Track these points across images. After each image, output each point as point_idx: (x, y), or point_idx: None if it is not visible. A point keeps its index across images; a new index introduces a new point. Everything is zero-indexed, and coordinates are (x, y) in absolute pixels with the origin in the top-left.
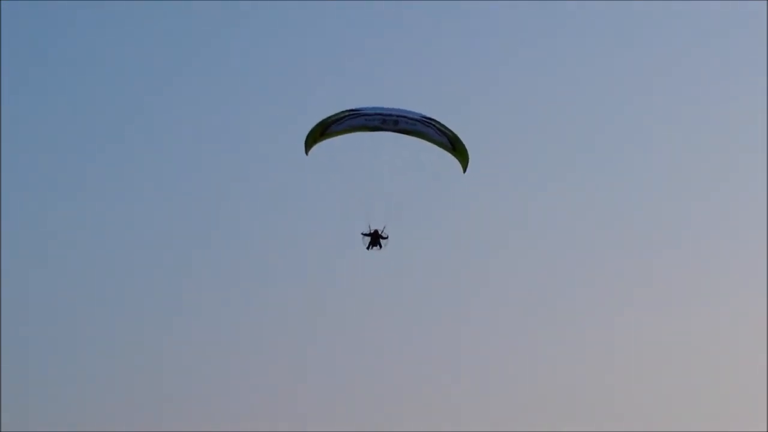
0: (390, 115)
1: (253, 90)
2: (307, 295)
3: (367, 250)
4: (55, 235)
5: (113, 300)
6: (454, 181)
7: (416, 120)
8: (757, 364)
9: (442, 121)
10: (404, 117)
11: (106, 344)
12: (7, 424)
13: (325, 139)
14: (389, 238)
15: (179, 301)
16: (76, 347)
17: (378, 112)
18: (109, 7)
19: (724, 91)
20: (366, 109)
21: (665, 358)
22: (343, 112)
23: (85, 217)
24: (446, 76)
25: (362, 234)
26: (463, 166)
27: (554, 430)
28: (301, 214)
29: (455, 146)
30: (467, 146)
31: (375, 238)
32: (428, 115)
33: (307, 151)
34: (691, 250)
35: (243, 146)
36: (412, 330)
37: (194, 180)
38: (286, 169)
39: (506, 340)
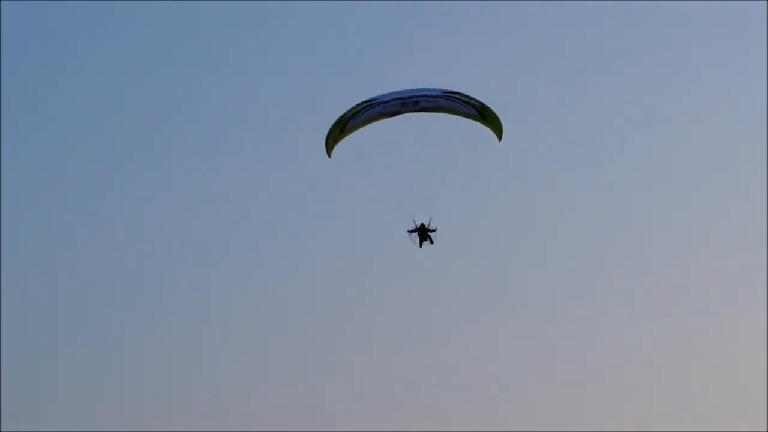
0: (409, 96)
1: (264, 89)
2: (323, 295)
3: (420, 249)
4: (56, 236)
5: (114, 300)
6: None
7: (437, 96)
8: (757, 364)
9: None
10: (424, 96)
11: (106, 345)
12: (7, 424)
13: (345, 136)
14: (437, 230)
15: (183, 302)
16: (77, 348)
17: (395, 96)
18: (110, 8)
19: (734, 92)
20: (381, 96)
21: (666, 359)
22: (358, 105)
23: (91, 219)
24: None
25: (408, 231)
26: (497, 135)
27: (557, 430)
28: (334, 216)
29: (485, 115)
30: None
31: (423, 233)
32: (450, 89)
33: (329, 152)
34: (692, 253)
35: (264, 151)
36: (434, 328)
37: (218, 180)
38: (311, 172)
39: (511, 340)
